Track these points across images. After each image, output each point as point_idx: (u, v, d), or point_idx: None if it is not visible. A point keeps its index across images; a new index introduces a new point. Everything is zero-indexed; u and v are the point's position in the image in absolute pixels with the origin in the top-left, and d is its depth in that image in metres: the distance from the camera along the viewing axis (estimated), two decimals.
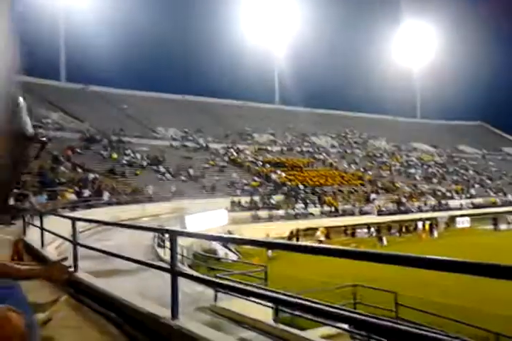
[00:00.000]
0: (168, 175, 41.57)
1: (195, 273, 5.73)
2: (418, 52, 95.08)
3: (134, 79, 77.76)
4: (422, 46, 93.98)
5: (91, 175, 33.04)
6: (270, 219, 38.39)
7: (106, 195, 29.14)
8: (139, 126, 54.69)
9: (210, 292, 10.57)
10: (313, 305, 2.20)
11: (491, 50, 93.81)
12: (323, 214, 41.46)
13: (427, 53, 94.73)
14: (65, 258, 2.93)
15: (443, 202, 50.05)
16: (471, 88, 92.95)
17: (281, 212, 39.77)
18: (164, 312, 3.58)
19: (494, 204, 52.34)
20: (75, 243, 5.73)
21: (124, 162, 41.00)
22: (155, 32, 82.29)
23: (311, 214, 40.73)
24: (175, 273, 3.46)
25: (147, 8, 75.45)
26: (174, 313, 3.46)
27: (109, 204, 27.51)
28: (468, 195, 55.15)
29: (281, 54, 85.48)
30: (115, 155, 41.74)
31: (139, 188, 35.22)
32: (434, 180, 59.64)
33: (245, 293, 2.84)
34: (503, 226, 39.99)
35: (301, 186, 46.75)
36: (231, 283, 3.57)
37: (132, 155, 43.49)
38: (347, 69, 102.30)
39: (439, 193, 53.76)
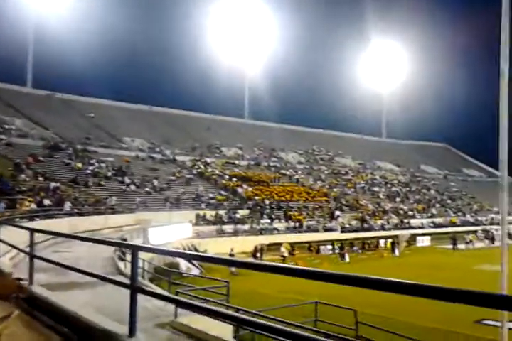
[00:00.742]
0: (132, 187, 40.94)
1: (155, 290, 5.61)
2: (386, 73, 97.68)
3: (102, 88, 77.03)
4: (390, 67, 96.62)
5: (53, 184, 32.19)
6: (235, 233, 38.20)
7: (67, 205, 28.41)
8: (105, 136, 53.87)
9: (171, 307, 10.36)
10: (272, 324, 2.19)
11: (457, 75, 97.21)
12: (288, 229, 41.56)
13: (394, 74, 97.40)
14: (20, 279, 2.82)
15: (405, 220, 51.01)
16: (436, 110, 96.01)
17: (246, 226, 39.66)
18: (121, 329, 3.47)
19: (453, 224, 53.71)
20: (31, 255, 5.54)
21: (88, 172, 40.17)
22: (126, 41, 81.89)
23: (276, 229, 40.77)
24: (134, 290, 3.38)
25: (119, 17, 75.00)
26: (132, 331, 3.37)
27: (70, 214, 26.81)
28: (429, 214, 56.42)
29: (252, 70, 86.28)
30: (79, 165, 40.88)
31: (102, 199, 34.53)
32: (397, 199, 60.84)
33: (205, 312, 2.80)
34: (461, 246, 41.00)
35: (266, 201, 46.84)
36: (191, 301, 3.51)
37: (97, 164, 42.68)
38: (316, 87, 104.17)
39: (401, 212, 54.81)
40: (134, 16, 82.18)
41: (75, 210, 28.45)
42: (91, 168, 41.22)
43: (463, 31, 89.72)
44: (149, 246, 4.77)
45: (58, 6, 63.82)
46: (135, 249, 3.55)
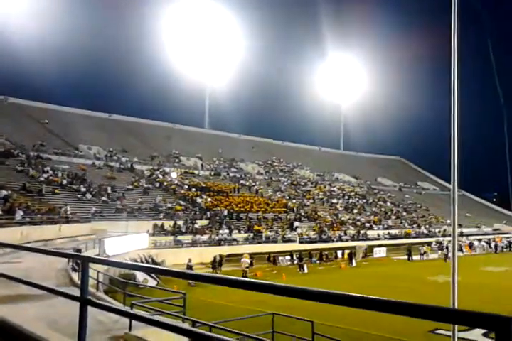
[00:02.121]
0: (88, 195, 39.90)
1: (106, 302, 5.42)
2: (344, 88, 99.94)
3: (57, 94, 75.61)
4: (349, 82, 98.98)
5: (3, 192, 31.00)
6: (193, 244, 37.74)
7: (19, 214, 27.40)
8: (60, 143, 52.48)
9: (126, 320, 10.07)
10: (228, 339, 2.12)
11: (412, 88, 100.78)
12: (247, 240, 41.44)
13: (353, 88, 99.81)
14: None
15: (362, 231, 51.86)
16: (392, 124, 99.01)
17: (204, 237, 39.27)
18: None
19: (409, 235, 55.00)
20: None
21: (42, 179, 38.91)
22: (86, 47, 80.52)
23: (235, 240, 40.57)
24: (84, 302, 3.23)
25: (78, 22, 73.78)
26: None
27: (22, 223, 25.86)
28: (385, 226, 57.60)
29: (212, 80, 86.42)
30: (32, 172, 39.57)
31: (56, 208, 33.46)
32: (355, 211, 61.85)
33: (158, 325, 2.70)
34: (415, 257, 41.98)
35: (226, 211, 46.62)
36: (144, 314, 3.39)
37: (51, 172, 41.42)
38: (276, 98, 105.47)
39: (358, 223, 55.72)
40: (94, 21, 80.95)
41: (27, 219, 27.47)
42: (45, 175, 39.98)
43: (417, 44, 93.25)
44: (100, 257, 4.61)
45: (15, 9, 62.13)
46: (85, 260, 3.41)
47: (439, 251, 44.20)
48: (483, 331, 13.94)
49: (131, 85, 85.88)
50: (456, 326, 7.43)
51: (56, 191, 37.85)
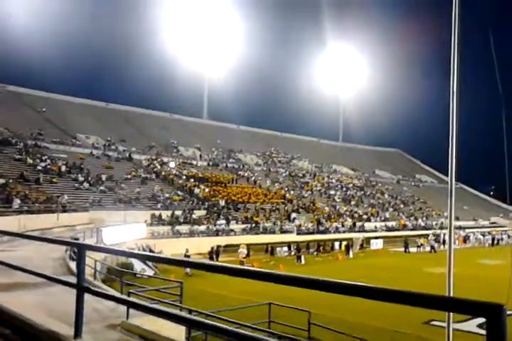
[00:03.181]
0: (86, 185, 39.87)
1: (103, 290, 5.45)
2: (344, 79, 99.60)
3: (55, 82, 75.14)
4: (348, 73, 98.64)
5: (1, 180, 30.95)
6: (191, 234, 37.82)
7: (16, 203, 27.39)
8: (58, 131, 52.29)
9: (123, 308, 10.11)
10: (223, 326, 2.14)
11: (412, 81, 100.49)
12: (244, 231, 41.54)
13: (352, 80, 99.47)
14: None
15: (359, 223, 52.01)
16: (391, 116, 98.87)
17: (202, 227, 39.35)
18: (67, 331, 3.34)
19: (404, 227, 55.15)
20: None
21: (40, 168, 38.83)
22: (85, 36, 79.91)
23: (233, 230, 40.66)
24: (81, 289, 3.25)
25: (75, 11, 73.14)
26: (78, 332, 3.24)
27: (19, 212, 25.85)
28: (382, 218, 57.76)
29: (211, 70, 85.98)
30: (30, 161, 39.47)
31: (53, 197, 33.44)
32: (352, 202, 61.98)
33: (156, 313, 2.71)
34: (412, 249, 42.17)
35: (223, 202, 46.67)
36: (141, 302, 3.41)
37: (49, 161, 41.32)
38: (276, 89, 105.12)
39: (356, 215, 55.86)
40: (93, 10, 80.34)
41: (25, 208, 27.46)
42: (42, 164, 39.90)
43: (418, 37, 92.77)
44: (96, 245, 4.63)
45: None
46: (82, 248, 3.42)
47: (436, 244, 44.45)
48: (478, 322, 14.07)
49: (130, 75, 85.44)
50: (451, 317, 7.48)
51: (54, 180, 37.80)
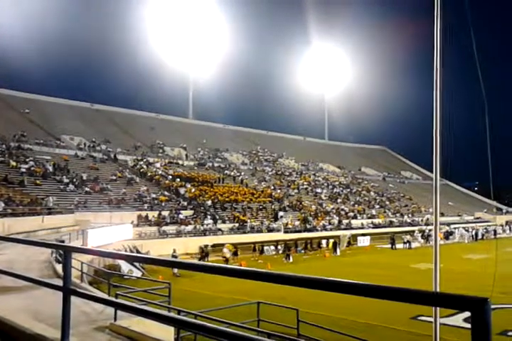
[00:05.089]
0: (71, 186, 39.49)
1: (89, 292, 5.41)
2: (329, 78, 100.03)
3: (39, 83, 74.25)
4: (333, 72, 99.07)
5: None
6: (178, 234, 37.67)
7: (0, 205, 27.04)
8: (41, 133, 51.70)
9: (111, 310, 10.04)
10: (212, 326, 2.13)
11: (396, 79, 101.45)
12: (231, 230, 41.50)
13: (337, 78, 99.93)
14: None
15: (346, 221, 52.27)
16: (376, 114, 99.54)
17: (189, 227, 39.21)
18: (53, 334, 3.31)
19: (391, 224, 55.60)
20: None
21: (23, 170, 38.35)
22: (68, 36, 79.17)
23: (220, 230, 40.60)
24: (67, 292, 3.22)
25: (59, 11, 72.25)
26: (65, 334, 3.21)
27: (3, 215, 25.55)
28: (369, 215, 58.12)
29: (196, 70, 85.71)
30: (13, 163, 38.97)
31: (38, 199, 33.07)
32: (339, 200, 62.27)
33: (144, 314, 2.70)
34: (399, 246, 42.50)
35: (210, 202, 46.56)
36: (129, 303, 3.39)
37: (33, 163, 40.84)
38: (261, 88, 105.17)
39: (342, 212, 56.14)
40: (76, 11, 79.55)
41: (9, 211, 27.13)
42: (26, 166, 39.41)
43: (401, 35, 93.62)
44: (82, 246, 4.59)
45: None
46: (67, 250, 3.39)
47: (422, 240, 44.83)
48: (464, 316, 14.24)
49: (114, 75, 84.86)
50: (438, 312, 7.57)
51: (38, 182, 37.38)
